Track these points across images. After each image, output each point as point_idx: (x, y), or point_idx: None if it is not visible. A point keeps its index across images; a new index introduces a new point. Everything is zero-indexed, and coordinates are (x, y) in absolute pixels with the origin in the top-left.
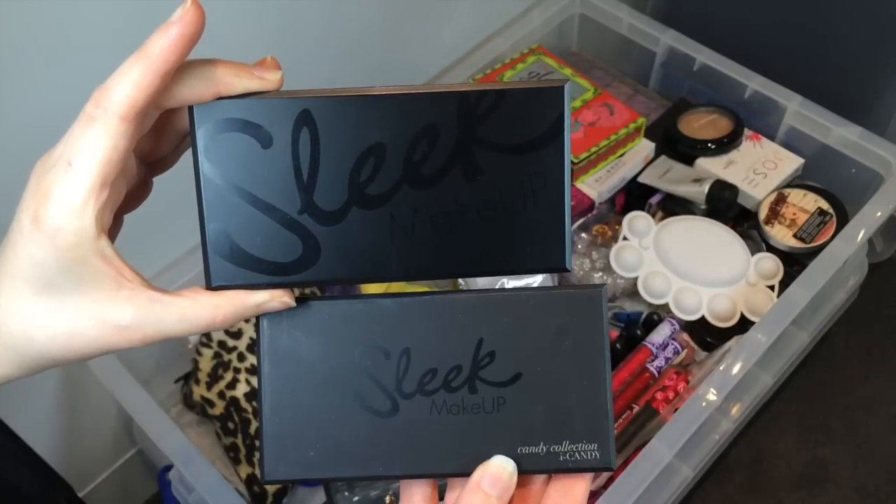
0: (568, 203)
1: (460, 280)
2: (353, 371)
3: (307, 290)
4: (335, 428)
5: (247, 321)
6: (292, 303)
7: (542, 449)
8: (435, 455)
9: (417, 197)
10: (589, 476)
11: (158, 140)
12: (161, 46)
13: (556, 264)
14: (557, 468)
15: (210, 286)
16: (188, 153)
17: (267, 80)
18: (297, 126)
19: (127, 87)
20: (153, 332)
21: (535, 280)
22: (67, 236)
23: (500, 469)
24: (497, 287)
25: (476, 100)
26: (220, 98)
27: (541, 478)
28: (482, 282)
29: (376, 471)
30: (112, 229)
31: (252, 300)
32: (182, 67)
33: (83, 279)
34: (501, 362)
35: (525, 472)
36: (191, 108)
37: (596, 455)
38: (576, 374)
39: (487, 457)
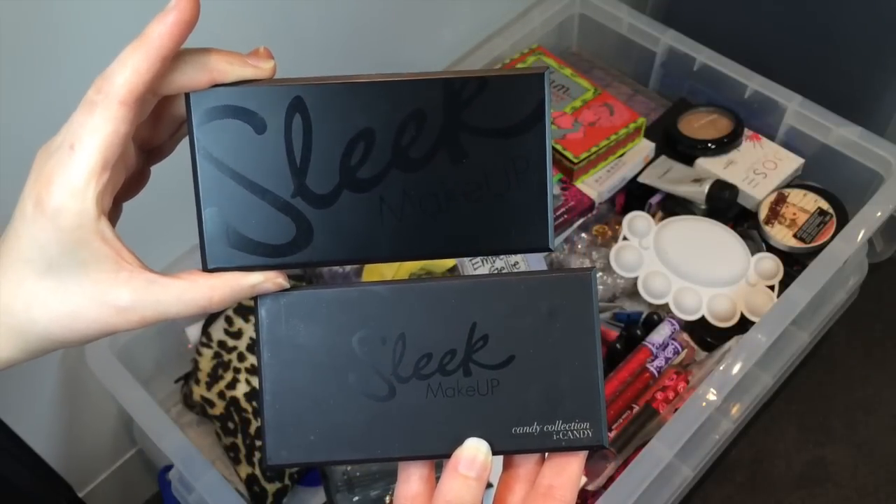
0: (550, 185)
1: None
2: (350, 357)
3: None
4: (334, 413)
5: (246, 321)
6: (286, 284)
7: (536, 429)
8: (432, 437)
9: (406, 180)
10: (583, 455)
11: (156, 127)
12: (158, 33)
13: (539, 244)
14: (551, 447)
15: (206, 268)
16: (185, 143)
17: (260, 68)
18: (289, 112)
19: (126, 73)
20: (152, 314)
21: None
22: (69, 217)
23: (474, 451)
24: (489, 272)
25: (460, 86)
26: (215, 85)
27: (535, 457)
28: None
29: (375, 453)
30: (112, 216)
31: (247, 281)
32: (178, 55)
33: (84, 261)
34: (495, 345)
35: (520, 451)
36: (187, 95)
37: (588, 433)
38: (567, 356)
39: (484, 437)
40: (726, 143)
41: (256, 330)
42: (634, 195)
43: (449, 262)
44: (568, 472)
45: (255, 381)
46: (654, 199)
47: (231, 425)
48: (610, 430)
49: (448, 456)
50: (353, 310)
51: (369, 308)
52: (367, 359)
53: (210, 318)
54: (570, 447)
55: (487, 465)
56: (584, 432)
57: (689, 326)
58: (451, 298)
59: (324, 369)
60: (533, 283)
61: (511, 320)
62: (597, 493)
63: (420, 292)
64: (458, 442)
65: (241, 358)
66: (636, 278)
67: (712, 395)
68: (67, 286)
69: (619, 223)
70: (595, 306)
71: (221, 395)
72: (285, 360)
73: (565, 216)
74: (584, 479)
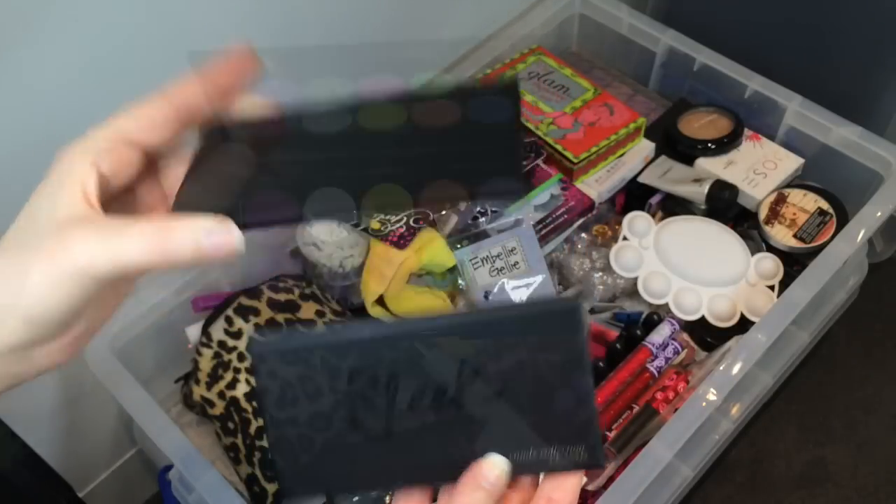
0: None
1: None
2: (344, 397)
3: (305, 280)
4: (336, 452)
5: (246, 321)
6: (238, 245)
7: (533, 454)
8: (430, 467)
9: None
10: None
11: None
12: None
13: (510, 190)
14: (549, 470)
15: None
16: None
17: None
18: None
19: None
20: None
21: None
22: (59, 164)
23: (492, 465)
24: (489, 272)
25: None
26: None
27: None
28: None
29: (377, 486)
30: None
31: (201, 224)
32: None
33: (54, 205)
34: (485, 380)
35: (517, 475)
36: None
37: (584, 456)
38: (559, 384)
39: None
40: (726, 143)
41: (255, 376)
42: (634, 195)
43: (449, 262)
44: (565, 487)
45: (255, 382)
46: (654, 199)
47: (231, 425)
48: (610, 430)
49: (451, 482)
50: (343, 353)
51: (360, 351)
52: (362, 398)
53: (210, 318)
54: (566, 469)
55: (503, 481)
56: (579, 455)
57: (689, 326)
58: (440, 337)
59: (321, 410)
60: (521, 316)
61: (501, 354)
62: (597, 493)
63: (410, 332)
64: (458, 469)
65: (241, 358)
66: (636, 278)
67: (712, 395)
68: (25, 251)
69: (619, 223)
70: (583, 337)
71: (221, 395)
72: (284, 403)
73: (565, 216)
74: (584, 479)
